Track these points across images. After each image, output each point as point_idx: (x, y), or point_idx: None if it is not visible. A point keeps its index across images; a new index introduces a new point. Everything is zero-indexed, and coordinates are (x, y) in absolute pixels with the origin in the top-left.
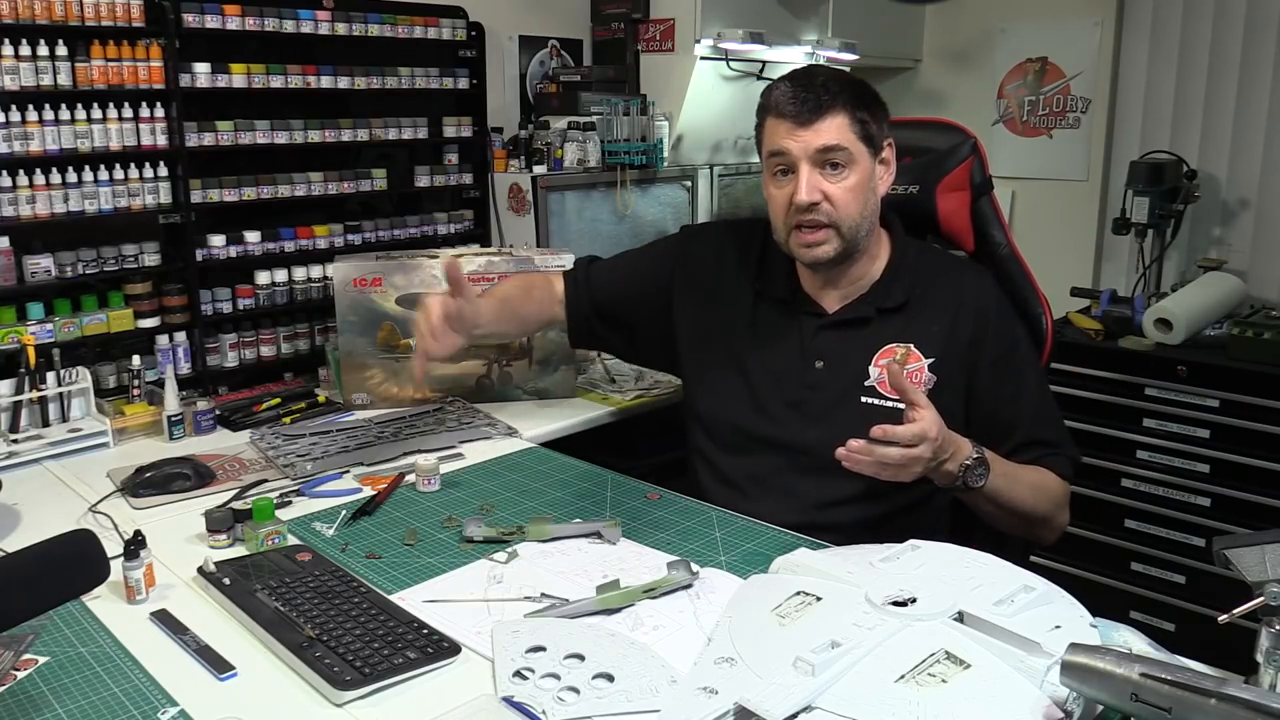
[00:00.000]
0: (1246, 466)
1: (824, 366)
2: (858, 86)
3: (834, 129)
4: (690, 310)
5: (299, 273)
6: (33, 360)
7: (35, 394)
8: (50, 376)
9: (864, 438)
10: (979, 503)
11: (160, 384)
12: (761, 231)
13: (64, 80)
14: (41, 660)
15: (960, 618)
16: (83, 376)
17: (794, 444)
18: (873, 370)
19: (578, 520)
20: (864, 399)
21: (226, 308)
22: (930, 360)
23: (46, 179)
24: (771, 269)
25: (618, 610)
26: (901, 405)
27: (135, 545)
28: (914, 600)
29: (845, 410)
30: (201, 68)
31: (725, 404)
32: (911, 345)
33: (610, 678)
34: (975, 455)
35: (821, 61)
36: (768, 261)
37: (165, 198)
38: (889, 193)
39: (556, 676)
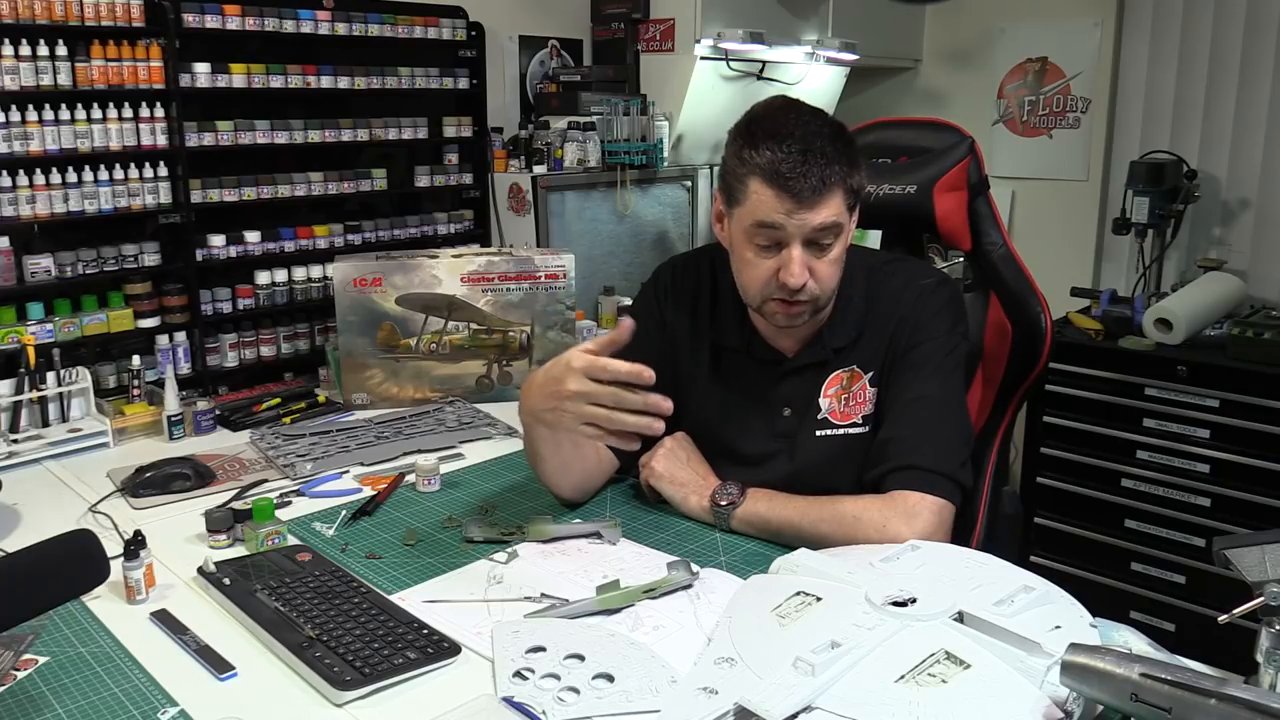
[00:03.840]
0: (1246, 466)
1: (791, 414)
2: (848, 146)
3: (832, 207)
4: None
5: (299, 273)
6: (33, 360)
7: (35, 394)
8: (50, 376)
9: (823, 469)
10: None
11: (160, 384)
12: (709, 272)
13: (64, 80)
14: (41, 660)
15: (960, 618)
16: (83, 376)
17: (766, 484)
18: (823, 402)
19: (578, 520)
20: (819, 432)
21: (226, 308)
22: (870, 375)
23: (46, 179)
24: (725, 317)
25: (618, 610)
26: (854, 430)
27: (135, 545)
28: (914, 600)
29: (806, 447)
30: (201, 68)
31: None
32: (855, 366)
33: (610, 678)
34: (722, 502)
35: (821, 62)
36: (720, 310)
37: (165, 198)
38: (888, 193)
39: (556, 677)
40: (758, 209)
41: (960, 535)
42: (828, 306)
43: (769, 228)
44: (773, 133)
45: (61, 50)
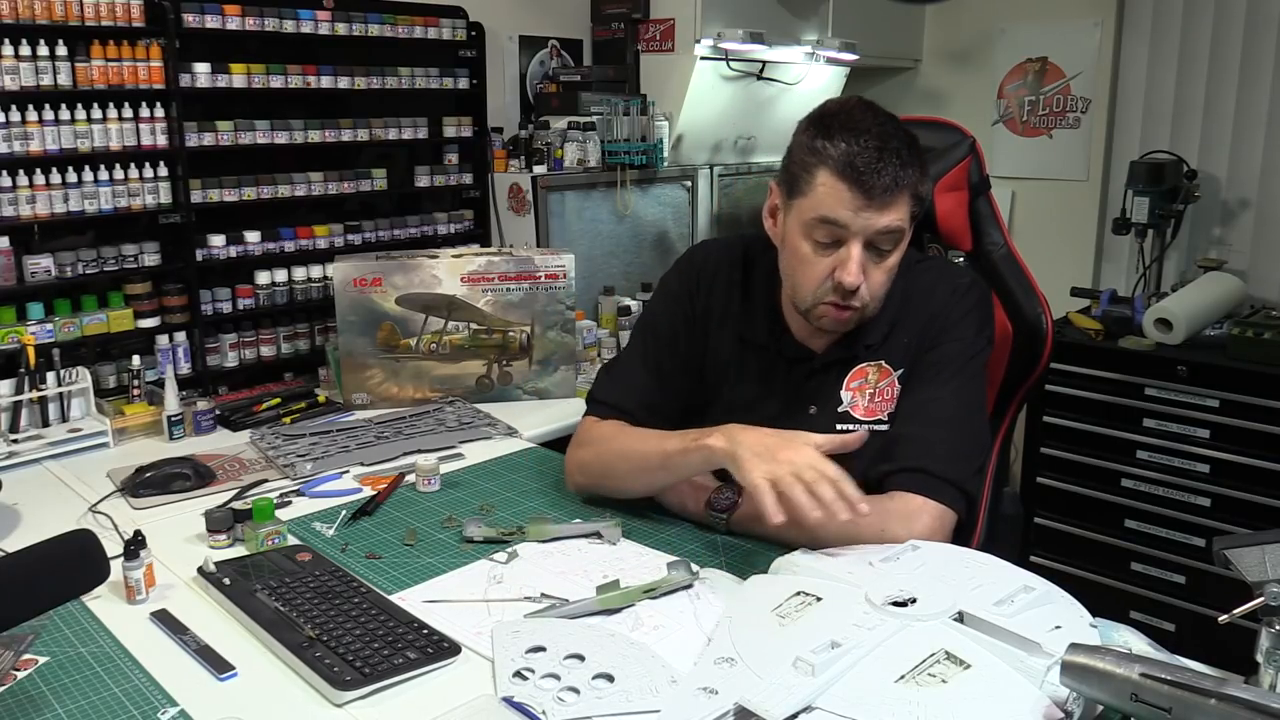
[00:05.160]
0: (1246, 466)
1: (817, 411)
2: (920, 155)
3: (898, 211)
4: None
5: (299, 273)
6: (33, 360)
7: (35, 394)
8: (50, 376)
9: (840, 464)
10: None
11: (160, 384)
12: (741, 262)
13: (64, 80)
14: (41, 660)
15: (960, 618)
16: (83, 376)
17: None
18: (844, 395)
19: (578, 520)
20: (839, 426)
21: (226, 308)
22: (899, 371)
23: (46, 179)
24: (754, 312)
25: (618, 610)
26: (878, 427)
27: (135, 545)
28: (914, 600)
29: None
30: (201, 68)
31: None
32: (882, 361)
33: (610, 678)
34: (718, 507)
35: (821, 62)
36: (750, 303)
37: (165, 198)
38: None
39: (556, 676)
40: (823, 203)
41: (960, 535)
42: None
43: (832, 224)
44: (849, 126)
45: (61, 50)
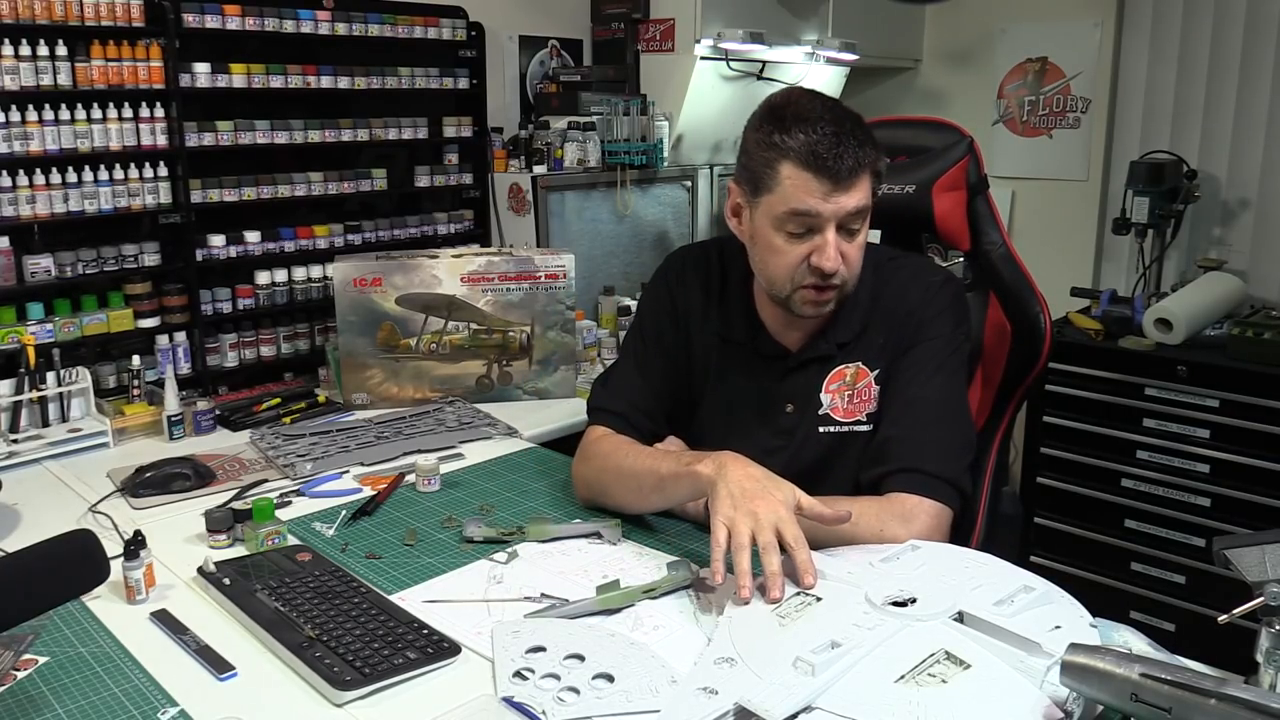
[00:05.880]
0: (1246, 466)
1: (794, 409)
2: (869, 131)
3: (862, 190)
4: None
5: (299, 273)
6: (33, 360)
7: (35, 394)
8: (50, 376)
9: (825, 466)
10: None
11: (160, 384)
12: (718, 263)
13: (64, 80)
14: (41, 660)
15: (960, 618)
16: (83, 376)
17: None
18: (824, 397)
19: (578, 520)
20: (821, 429)
21: (226, 308)
22: (876, 371)
23: (46, 179)
24: (731, 311)
25: (618, 610)
26: (859, 428)
27: (135, 545)
28: (914, 600)
29: (808, 444)
30: (201, 68)
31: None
32: (860, 363)
33: (610, 678)
34: None
35: (821, 62)
36: (727, 303)
37: (165, 198)
38: (886, 193)
39: (556, 677)
40: (792, 195)
41: (960, 535)
42: (849, 294)
43: (804, 215)
44: (803, 116)
45: (61, 50)
